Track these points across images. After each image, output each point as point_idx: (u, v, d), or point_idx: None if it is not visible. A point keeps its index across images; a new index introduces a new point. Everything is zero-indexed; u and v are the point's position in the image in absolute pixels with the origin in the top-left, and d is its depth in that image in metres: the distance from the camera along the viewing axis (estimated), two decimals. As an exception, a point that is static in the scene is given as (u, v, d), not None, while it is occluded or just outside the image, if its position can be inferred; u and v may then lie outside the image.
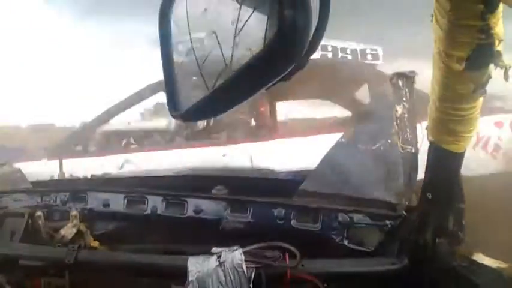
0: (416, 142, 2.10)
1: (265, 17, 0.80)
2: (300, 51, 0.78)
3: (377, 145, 2.09)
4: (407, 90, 2.20)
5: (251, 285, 1.70)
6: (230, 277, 1.70)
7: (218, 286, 1.70)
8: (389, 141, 2.09)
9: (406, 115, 2.14)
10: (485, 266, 1.46)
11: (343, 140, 2.19)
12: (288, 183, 2.38)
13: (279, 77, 0.82)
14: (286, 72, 0.81)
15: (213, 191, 2.23)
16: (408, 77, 2.22)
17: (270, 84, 0.85)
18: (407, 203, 1.90)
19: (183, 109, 1.02)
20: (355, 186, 2.04)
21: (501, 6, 0.97)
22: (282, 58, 0.77)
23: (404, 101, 2.17)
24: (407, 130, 2.11)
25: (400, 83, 2.20)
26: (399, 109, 2.14)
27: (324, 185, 2.08)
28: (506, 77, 1.04)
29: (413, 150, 2.08)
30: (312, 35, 0.79)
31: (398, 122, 2.12)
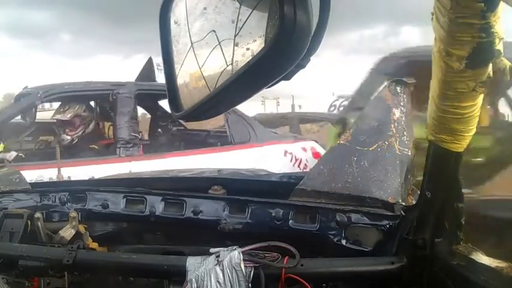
0: (413, 145, 2.12)
1: (266, 16, 0.80)
2: (301, 50, 0.78)
3: (374, 146, 2.10)
4: (404, 96, 2.22)
5: (250, 285, 1.71)
6: (228, 276, 1.70)
7: (216, 285, 1.70)
8: (387, 143, 2.10)
9: (403, 119, 2.16)
10: (484, 265, 1.46)
11: (341, 141, 2.20)
12: (284, 184, 2.37)
13: (280, 76, 0.82)
14: (287, 72, 0.81)
15: (210, 191, 2.23)
16: (406, 84, 2.25)
17: (271, 84, 0.85)
18: (403, 203, 1.90)
19: (185, 109, 1.02)
20: (353, 186, 2.04)
21: (501, 4, 0.97)
22: (282, 57, 0.78)
23: (401, 105, 2.19)
24: (404, 133, 2.13)
25: (398, 89, 2.23)
26: (397, 113, 2.16)
27: (322, 184, 2.09)
28: (506, 76, 1.04)
29: (409, 153, 2.09)
30: (313, 33, 0.79)
31: (396, 125, 2.13)
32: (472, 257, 1.51)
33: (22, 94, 6.94)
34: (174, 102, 1.08)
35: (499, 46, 1.03)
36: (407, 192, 2.03)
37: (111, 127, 7.37)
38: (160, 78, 7.32)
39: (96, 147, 6.96)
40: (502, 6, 0.98)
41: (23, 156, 6.38)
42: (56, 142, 6.56)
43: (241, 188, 2.32)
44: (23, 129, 6.93)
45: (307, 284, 1.71)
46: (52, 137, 7.47)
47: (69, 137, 6.68)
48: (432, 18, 1.07)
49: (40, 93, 6.33)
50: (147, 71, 7.44)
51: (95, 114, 7.13)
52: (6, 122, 6.46)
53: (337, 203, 1.99)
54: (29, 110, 6.69)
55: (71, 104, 6.64)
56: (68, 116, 6.59)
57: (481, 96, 1.23)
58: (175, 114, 1.06)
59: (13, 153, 6.27)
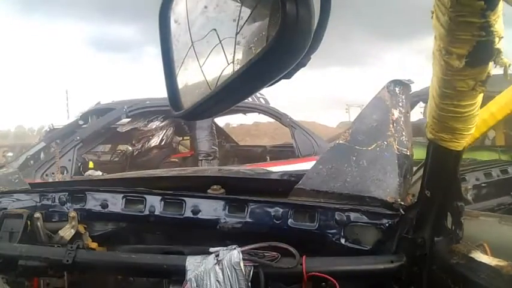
0: (411, 145, 2.12)
1: (268, 14, 0.80)
2: (303, 48, 0.78)
3: (373, 146, 2.10)
4: (403, 97, 2.23)
5: (249, 284, 1.71)
6: (228, 276, 1.71)
7: (216, 285, 1.70)
8: (385, 142, 2.10)
9: (402, 119, 2.16)
10: (484, 264, 1.46)
11: (340, 141, 2.20)
12: (283, 183, 2.37)
13: (281, 75, 0.82)
14: (288, 70, 0.81)
15: (209, 191, 2.23)
16: (405, 85, 2.27)
17: (272, 82, 0.85)
18: (402, 203, 1.90)
19: (185, 108, 1.02)
20: (352, 185, 2.04)
21: (501, 4, 0.97)
22: (284, 56, 0.77)
23: (400, 106, 2.20)
24: (403, 133, 2.13)
25: (397, 89, 2.23)
26: (395, 113, 2.16)
27: (321, 184, 2.09)
28: (506, 75, 1.04)
29: (408, 153, 2.10)
30: (313, 32, 0.79)
31: (395, 125, 2.14)
32: (472, 255, 1.51)
33: (98, 109, 7.28)
34: (174, 101, 1.08)
35: (499, 45, 1.03)
36: (406, 191, 2.03)
37: (188, 141, 7.83)
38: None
39: (177, 160, 7.26)
40: (502, 5, 0.98)
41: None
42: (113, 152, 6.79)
43: (240, 187, 2.32)
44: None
45: (334, 280, 1.72)
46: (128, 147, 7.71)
47: (130, 149, 7.05)
48: (432, 17, 1.07)
49: (125, 108, 6.64)
50: None
51: (167, 129, 7.34)
52: (92, 135, 6.77)
53: (336, 202, 1.99)
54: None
55: (137, 118, 6.92)
56: (123, 129, 6.91)
57: (481, 95, 1.23)
58: (176, 113, 1.06)
59: (99, 173, 6.56)
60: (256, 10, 0.83)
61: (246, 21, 0.84)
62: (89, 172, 6.59)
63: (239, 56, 0.85)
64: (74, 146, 6.24)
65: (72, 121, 7.86)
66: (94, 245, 2.03)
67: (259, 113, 7.97)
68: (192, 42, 1.01)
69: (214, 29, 0.92)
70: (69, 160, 6.14)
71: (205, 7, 0.97)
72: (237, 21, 0.85)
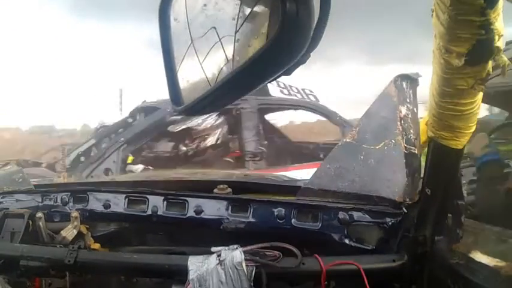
0: (419, 143, 2.10)
1: (267, 13, 0.80)
2: (302, 45, 0.78)
3: (381, 145, 2.09)
4: (410, 92, 2.21)
5: (251, 284, 1.70)
6: (230, 276, 1.70)
7: (218, 285, 1.70)
8: (393, 141, 2.09)
9: (409, 116, 2.14)
10: (483, 264, 1.46)
11: (348, 139, 2.19)
12: (288, 189, 2.37)
13: (281, 72, 0.82)
14: (288, 67, 0.82)
15: (215, 190, 2.22)
16: (412, 79, 2.24)
17: (271, 79, 0.85)
18: (410, 202, 1.89)
19: (186, 104, 1.03)
20: (360, 184, 2.03)
21: (501, 2, 0.97)
22: (283, 54, 0.78)
23: (407, 102, 2.18)
24: (411, 131, 2.11)
25: (404, 84, 2.21)
26: (403, 110, 2.14)
27: (328, 183, 2.08)
28: (503, 73, 1.04)
29: (416, 151, 2.08)
30: (313, 29, 0.79)
31: (402, 122, 2.12)
32: (471, 255, 1.51)
33: (144, 107, 7.27)
34: (175, 96, 1.08)
35: (499, 43, 1.03)
36: (415, 190, 2.02)
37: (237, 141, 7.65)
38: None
39: (231, 159, 7.20)
40: (501, 3, 0.98)
41: (150, 168, 6.62)
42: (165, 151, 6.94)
43: (245, 190, 2.32)
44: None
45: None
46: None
47: (184, 149, 6.93)
48: (432, 15, 1.07)
49: (170, 108, 6.50)
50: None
51: (222, 128, 7.35)
52: (137, 136, 6.75)
53: (342, 202, 1.98)
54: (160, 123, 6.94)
55: (188, 118, 6.81)
56: (176, 129, 6.83)
57: (481, 93, 1.23)
58: (176, 108, 1.06)
59: (140, 166, 6.61)
60: (255, 8, 0.83)
61: (246, 19, 0.84)
62: (130, 167, 6.59)
63: (239, 53, 0.86)
64: (118, 148, 6.27)
65: (122, 119, 7.86)
66: (96, 245, 2.03)
67: (308, 110, 7.89)
68: (191, 39, 1.01)
69: (214, 27, 0.92)
70: (114, 162, 6.17)
71: (205, 5, 0.97)
72: (237, 20, 0.85)
